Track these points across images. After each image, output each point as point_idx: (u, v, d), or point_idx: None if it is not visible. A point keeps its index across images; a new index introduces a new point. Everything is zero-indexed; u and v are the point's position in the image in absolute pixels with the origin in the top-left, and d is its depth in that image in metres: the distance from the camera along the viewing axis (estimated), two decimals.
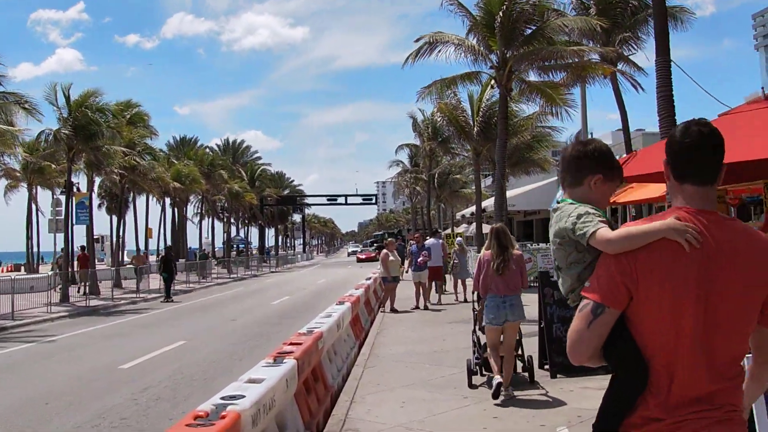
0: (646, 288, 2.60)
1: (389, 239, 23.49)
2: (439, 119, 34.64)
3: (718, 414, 2.58)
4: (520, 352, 10.48)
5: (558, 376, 10.48)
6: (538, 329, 11.22)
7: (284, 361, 7.61)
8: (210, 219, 78.19)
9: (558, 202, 3.02)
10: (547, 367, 10.87)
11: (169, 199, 57.04)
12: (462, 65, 23.15)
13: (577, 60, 20.69)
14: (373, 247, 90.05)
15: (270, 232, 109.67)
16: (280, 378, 6.89)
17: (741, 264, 2.61)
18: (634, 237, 2.65)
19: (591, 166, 2.95)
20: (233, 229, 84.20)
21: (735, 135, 8.06)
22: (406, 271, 26.56)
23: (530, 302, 19.33)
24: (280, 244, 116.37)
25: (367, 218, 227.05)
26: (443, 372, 11.59)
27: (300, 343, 8.80)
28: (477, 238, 34.21)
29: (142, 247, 53.12)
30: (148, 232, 55.73)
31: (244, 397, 5.87)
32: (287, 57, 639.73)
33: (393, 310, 21.44)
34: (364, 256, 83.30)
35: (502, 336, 9.64)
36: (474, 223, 57.61)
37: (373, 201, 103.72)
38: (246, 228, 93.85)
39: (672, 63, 10.90)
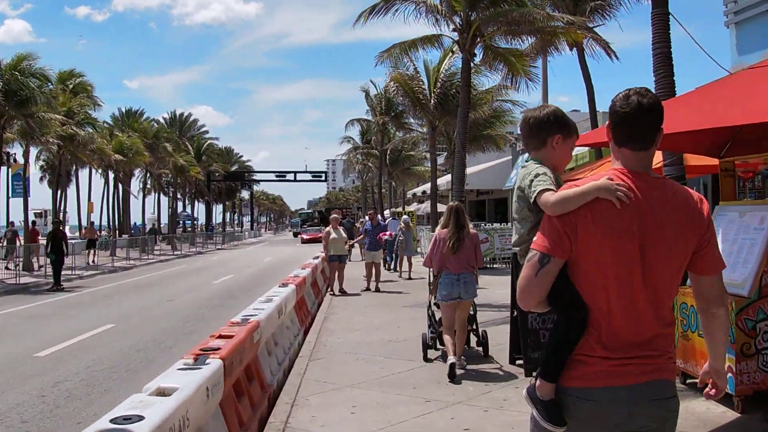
0: (585, 239, 2.85)
1: (333, 216, 22.24)
2: (393, 90, 32.91)
3: (659, 362, 2.87)
4: (474, 326, 10.70)
5: (533, 374, 9.13)
6: (510, 319, 9.79)
7: (207, 361, 6.02)
8: (156, 194, 76.20)
9: (526, 161, 3.33)
10: (519, 362, 9.54)
11: (112, 172, 54.83)
12: (421, 34, 21.62)
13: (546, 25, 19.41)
14: (306, 227, 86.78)
15: (218, 209, 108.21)
16: (197, 387, 5.30)
17: (670, 218, 2.88)
18: (569, 200, 2.89)
19: (551, 128, 3.28)
20: (179, 204, 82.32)
21: (755, 93, 6.80)
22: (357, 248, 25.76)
23: (488, 284, 18.46)
24: (227, 220, 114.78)
25: (317, 196, 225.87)
26: (399, 367, 10.14)
27: (231, 336, 7.21)
28: (432, 217, 32.90)
29: (84, 221, 51.30)
30: (89, 207, 53.76)
31: (142, 419, 4.30)
32: (239, 32, 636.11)
33: (342, 292, 20.07)
34: (308, 237, 73.13)
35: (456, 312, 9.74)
36: (425, 203, 56.61)
37: (323, 178, 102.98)
38: (192, 204, 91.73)
39: (670, 16, 9.51)
